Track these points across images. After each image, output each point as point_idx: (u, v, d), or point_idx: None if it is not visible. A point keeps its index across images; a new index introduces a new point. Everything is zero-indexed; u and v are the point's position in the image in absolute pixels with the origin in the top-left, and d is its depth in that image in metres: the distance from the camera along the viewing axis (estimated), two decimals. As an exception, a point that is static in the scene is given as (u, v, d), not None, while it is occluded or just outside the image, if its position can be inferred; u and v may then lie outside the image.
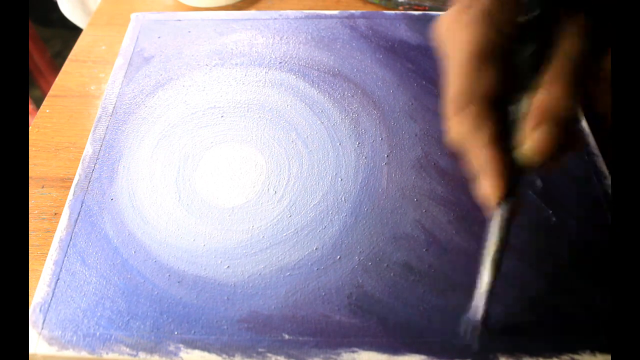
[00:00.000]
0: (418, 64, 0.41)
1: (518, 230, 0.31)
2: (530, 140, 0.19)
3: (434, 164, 0.34)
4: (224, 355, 0.27)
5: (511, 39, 0.20)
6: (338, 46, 0.42)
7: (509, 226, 0.21)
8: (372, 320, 0.28)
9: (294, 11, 0.45)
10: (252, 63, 0.41)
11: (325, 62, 0.41)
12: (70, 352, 0.27)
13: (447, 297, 0.29)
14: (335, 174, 0.34)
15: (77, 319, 0.28)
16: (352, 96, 0.39)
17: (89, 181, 0.34)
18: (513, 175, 0.20)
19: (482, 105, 0.19)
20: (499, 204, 0.20)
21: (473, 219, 0.32)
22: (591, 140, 0.36)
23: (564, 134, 0.19)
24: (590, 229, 0.31)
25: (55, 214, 0.36)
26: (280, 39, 0.43)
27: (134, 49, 0.43)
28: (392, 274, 0.30)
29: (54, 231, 0.32)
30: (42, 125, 0.42)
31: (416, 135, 0.36)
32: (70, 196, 0.33)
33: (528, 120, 0.19)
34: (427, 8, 0.51)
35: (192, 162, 0.35)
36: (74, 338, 0.28)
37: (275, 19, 0.45)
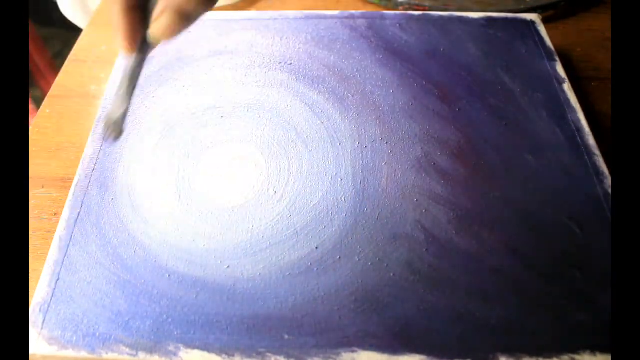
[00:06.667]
0: (418, 64, 0.41)
1: (519, 232, 0.31)
2: (157, 23, 0.26)
3: (434, 164, 0.34)
4: (223, 355, 0.27)
5: None
6: (338, 46, 0.42)
7: (136, 71, 0.28)
8: (372, 320, 0.28)
9: (294, 11, 0.45)
10: (252, 63, 0.41)
11: (325, 63, 0.41)
12: (70, 352, 0.27)
13: (447, 297, 0.29)
14: (335, 174, 0.34)
15: (77, 319, 0.28)
16: (352, 96, 0.39)
17: (89, 181, 0.34)
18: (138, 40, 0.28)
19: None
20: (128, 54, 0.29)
21: (473, 219, 0.32)
22: (591, 140, 0.36)
23: (179, 20, 0.26)
24: (590, 229, 0.31)
25: (55, 214, 0.36)
26: (280, 39, 0.43)
27: (134, 49, 0.43)
28: (392, 274, 0.30)
29: (54, 231, 0.32)
30: (42, 125, 0.42)
31: (416, 135, 0.36)
32: (70, 196, 0.33)
33: (157, 9, 0.26)
34: (427, 8, 0.51)
35: (192, 162, 0.35)
36: (74, 338, 0.28)
37: (275, 19, 0.45)
